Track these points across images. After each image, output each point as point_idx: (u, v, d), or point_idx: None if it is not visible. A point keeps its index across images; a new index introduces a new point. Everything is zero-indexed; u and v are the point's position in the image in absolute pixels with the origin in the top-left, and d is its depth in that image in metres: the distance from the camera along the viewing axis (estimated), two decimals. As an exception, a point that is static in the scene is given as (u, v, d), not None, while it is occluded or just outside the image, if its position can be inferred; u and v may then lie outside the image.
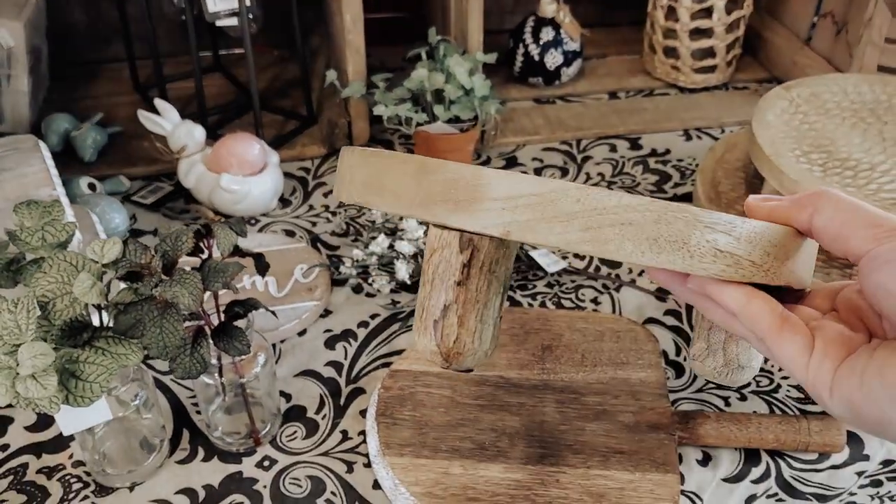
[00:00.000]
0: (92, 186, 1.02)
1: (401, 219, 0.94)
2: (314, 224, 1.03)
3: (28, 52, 1.09)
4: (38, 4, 1.14)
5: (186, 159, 1.02)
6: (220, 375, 0.71)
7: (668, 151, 1.18)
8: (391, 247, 0.91)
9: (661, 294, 0.92)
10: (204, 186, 1.01)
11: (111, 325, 0.61)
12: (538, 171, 1.13)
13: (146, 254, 0.61)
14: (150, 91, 1.23)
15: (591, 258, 0.97)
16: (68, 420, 0.65)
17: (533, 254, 0.93)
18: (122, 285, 0.62)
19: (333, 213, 1.05)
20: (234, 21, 1.03)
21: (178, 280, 0.58)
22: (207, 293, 0.63)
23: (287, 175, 1.10)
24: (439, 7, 1.23)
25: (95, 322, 0.63)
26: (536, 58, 1.26)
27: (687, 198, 1.08)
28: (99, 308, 0.63)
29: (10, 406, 0.78)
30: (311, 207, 1.06)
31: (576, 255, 0.97)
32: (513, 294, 0.92)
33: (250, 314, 0.69)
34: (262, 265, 0.69)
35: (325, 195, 1.08)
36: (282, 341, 0.86)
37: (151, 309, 0.61)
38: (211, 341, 0.65)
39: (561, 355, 0.82)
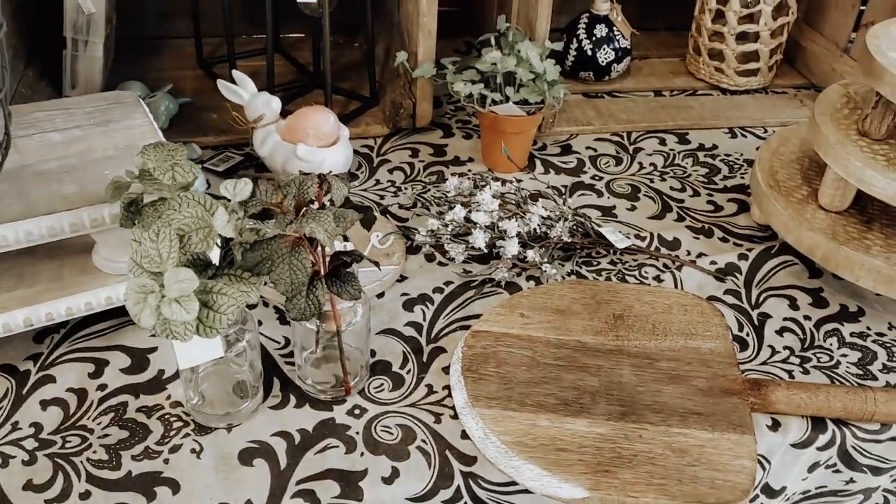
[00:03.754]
0: (167, 151, 1.05)
1: (475, 188, 0.98)
2: (382, 197, 1.06)
3: (106, 21, 1.12)
4: (114, -24, 1.17)
5: (262, 129, 1.05)
6: (321, 321, 0.74)
7: (715, 147, 1.22)
8: (467, 218, 0.95)
9: (719, 275, 0.96)
10: (278, 156, 1.04)
11: (236, 262, 0.64)
12: (593, 160, 1.17)
13: (277, 194, 0.64)
14: (213, 66, 1.26)
15: (653, 237, 1.01)
16: (187, 353, 0.68)
17: (602, 230, 0.97)
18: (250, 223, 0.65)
19: (400, 189, 1.08)
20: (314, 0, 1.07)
21: (313, 217, 0.61)
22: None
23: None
24: (498, 3, 1.28)
25: (215, 261, 0.66)
26: (589, 53, 1.30)
27: (739, 189, 1.12)
28: (223, 246, 0.66)
29: (110, 349, 0.81)
30: (377, 182, 1.10)
31: (638, 235, 1.01)
32: (578, 269, 0.96)
33: (354, 265, 0.72)
34: (369, 218, 0.72)
35: (391, 171, 1.12)
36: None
37: (280, 247, 0.64)
38: (324, 285, 0.68)
39: (633, 324, 0.86)
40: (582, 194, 1.10)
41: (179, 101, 1.17)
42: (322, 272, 0.69)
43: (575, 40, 1.31)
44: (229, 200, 0.64)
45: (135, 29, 1.34)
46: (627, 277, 0.95)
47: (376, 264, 0.74)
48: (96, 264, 0.78)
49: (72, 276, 0.78)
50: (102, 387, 0.78)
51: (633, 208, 1.08)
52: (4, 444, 0.72)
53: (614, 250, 0.98)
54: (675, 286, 0.95)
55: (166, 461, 0.72)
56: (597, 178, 1.14)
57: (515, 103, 1.05)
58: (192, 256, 0.63)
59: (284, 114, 1.07)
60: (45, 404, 0.76)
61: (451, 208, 0.96)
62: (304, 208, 0.65)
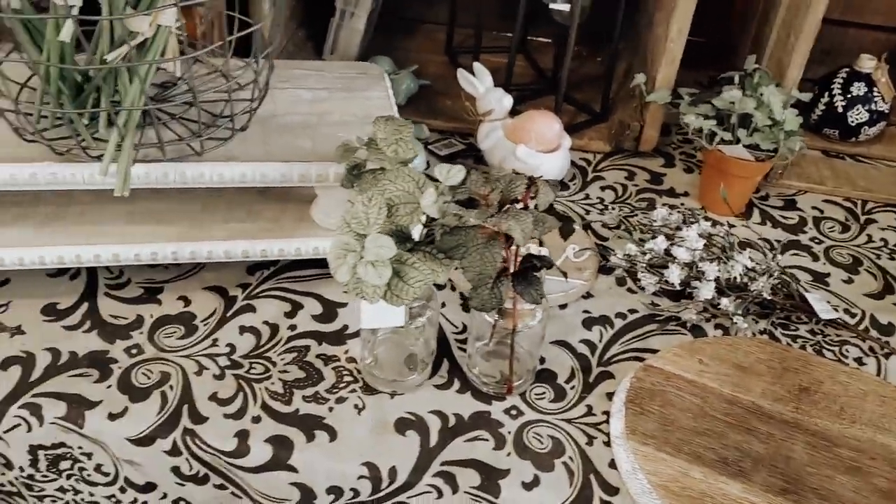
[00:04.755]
0: (398, 127, 1.11)
1: (683, 223, 0.96)
2: (587, 212, 1.07)
3: (373, -3, 1.21)
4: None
5: (489, 123, 1.08)
6: (500, 316, 0.76)
7: (962, 236, 1.11)
8: (667, 251, 0.93)
9: (932, 374, 0.88)
10: (498, 152, 1.07)
11: (435, 242, 0.67)
12: (817, 221, 1.11)
13: (486, 186, 0.67)
14: (458, 56, 1.32)
15: (865, 316, 0.94)
16: (371, 315, 0.72)
17: (808, 295, 0.91)
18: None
19: (606, 207, 1.08)
20: (566, 6, 1.08)
21: (513, 216, 0.63)
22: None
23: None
24: (753, 37, 1.23)
25: (415, 237, 0.70)
26: (840, 110, 1.22)
27: (978, 288, 1.02)
28: (426, 224, 0.70)
29: (307, 295, 0.88)
30: (587, 196, 1.10)
31: (848, 311, 0.95)
32: (773, 329, 0.91)
33: (543, 271, 0.73)
34: (567, 230, 0.73)
35: (602, 189, 1.12)
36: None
37: (476, 236, 0.66)
38: (510, 283, 0.70)
39: (819, 401, 0.81)
40: (795, 254, 1.04)
41: (420, 82, 1.24)
42: (510, 270, 0.71)
43: (827, 94, 1.23)
44: (440, 183, 0.67)
45: (396, 9, 1.42)
46: (825, 351, 0.89)
47: (564, 275, 0.75)
48: (313, 216, 0.85)
49: (290, 221, 0.85)
50: (293, 327, 0.85)
51: (849, 281, 1.01)
52: (203, 356, 0.81)
53: (817, 319, 0.92)
54: (878, 373, 0.88)
55: (331, 409, 0.77)
56: (816, 240, 1.07)
57: (746, 146, 1.02)
58: (396, 227, 0.67)
59: (513, 112, 1.10)
60: (242, 330, 0.84)
61: (653, 237, 0.95)
62: (508, 205, 0.67)
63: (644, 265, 0.94)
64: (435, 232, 0.68)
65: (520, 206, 0.69)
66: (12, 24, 0.68)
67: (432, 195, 0.65)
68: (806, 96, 1.04)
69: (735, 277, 0.91)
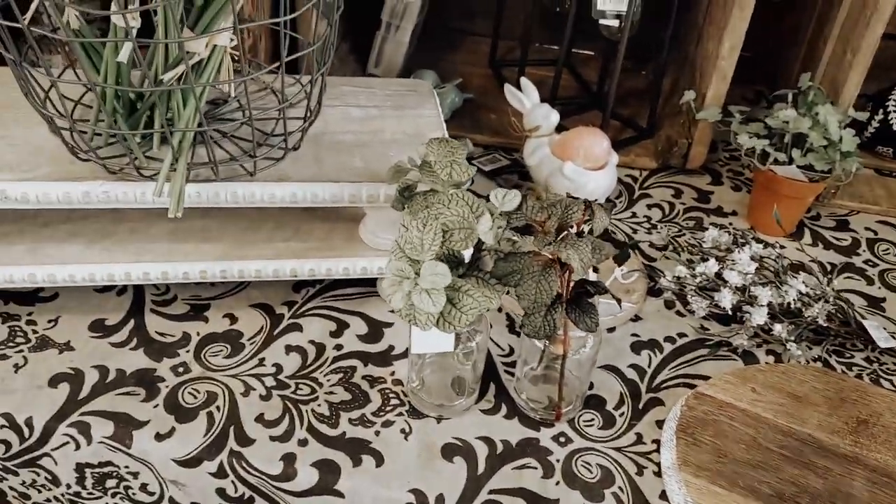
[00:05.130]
0: (443, 142, 1.11)
1: (734, 245, 0.94)
2: (634, 231, 1.05)
3: (419, 10, 1.20)
4: (434, -31, 1.25)
5: (535, 139, 1.07)
6: (550, 342, 0.75)
7: None
8: (719, 274, 0.91)
9: None
10: (545, 168, 1.06)
11: (485, 266, 0.66)
12: (871, 243, 1.08)
13: (543, 213, 0.65)
14: (503, 69, 1.31)
15: (924, 346, 0.91)
16: (421, 340, 0.71)
17: (865, 322, 0.89)
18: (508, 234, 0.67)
19: (655, 226, 1.06)
20: (615, 22, 1.07)
21: (572, 244, 0.62)
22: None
23: (615, 178, 1.12)
24: (804, 53, 1.20)
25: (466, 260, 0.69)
26: (895, 127, 1.19)
27: None
28: (478, 250, 0.69)
29: (353, 314, 0.87)
30: (633, 214, 1.08)
31: (906, 339, 0.92)
32: (827, 357, 0.89)
33: (596, 297, 0.72)
34: (623, 256, 0.72)
35: (649, 207, 1.10)
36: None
37: (531, 264, 0.65)
38: (564, 309, 0.69)
39: (878, 434, 0.78)
40: (849, 277, 1.01)
41: (465, 95, 1.23)
42: (564, 296, 0.69)
43: (881, 111, 1.20)
44: (495, 208, 0.66)
45: (440, 20, 1.41)
46: (883, 381, 0.87)
47: (618, 301, 0.74)
48: (361, 235, 0.84)
49: (339, 240, 0.84)
50: (339, 347, 0.84)
51: (887, 308, 0.98)
52: (250, 376, 0.80)
53: (874, 347, 0.89)
54: (937, 405, 0.85)
55: (377, 433, 0.76)
56: (871, 263, 1.04)
57: (799, 167, 0.99)
58: (449, 252, 0.66)
59: (560, 129, 1.09)
60: (288, 349, 0.83)
61: (703, 259, 0.93)
62: (565, 232, 0.65)
63: (694, 288, 0.92)
64: (483, 258, 0.67)
65: (574, 230, 0.68)
66: (71, 44, 0.68)
67: (488, 221, 0.64)
68: (863, 116, 1.02)
69: (789, 303, 0.89)
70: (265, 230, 0.84)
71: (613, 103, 1.28)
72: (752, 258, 0.93)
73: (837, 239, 1.08)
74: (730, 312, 0.90)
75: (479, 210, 0.67)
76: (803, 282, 0.91)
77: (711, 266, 0.91)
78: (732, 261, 0.92)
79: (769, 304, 0.88)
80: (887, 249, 1.07)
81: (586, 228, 0.70)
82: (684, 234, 1.05)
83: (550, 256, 0.64)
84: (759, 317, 0.87)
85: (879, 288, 1.00)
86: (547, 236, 0.64)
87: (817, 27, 1.18)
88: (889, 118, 1.20)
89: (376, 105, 0.87)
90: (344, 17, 1.26)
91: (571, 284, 0.71)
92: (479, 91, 1.27)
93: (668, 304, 0.94)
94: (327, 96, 0.88)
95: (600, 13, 1.05)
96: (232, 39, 0.71)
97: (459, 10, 1.42)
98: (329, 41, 0.74)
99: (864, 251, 1.06)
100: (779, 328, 0.87)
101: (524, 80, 1.09)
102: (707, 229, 1.00)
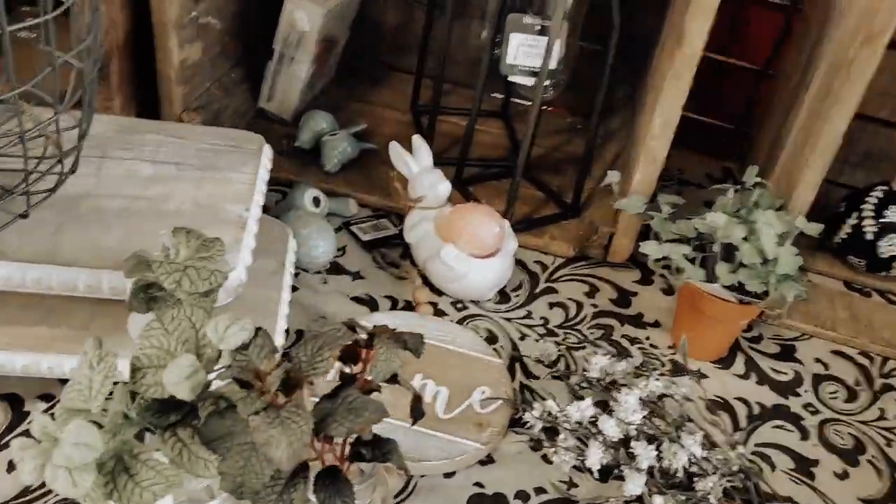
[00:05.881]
0: (316, 201, 0.92)
1: (622, 387, 0.74)
2: (522, 337, 0.86)
3: (318, 41, 1.02)
4: (351, -5, 1.07)
5: (419, 211, 0.89)
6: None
7: None
8: (594, 419, 0.71)
9: None
10: (424, 248, 0.87)
11: (199, 424, 0.48)
12: (817, 380, 0.88)
13: (270, 359, 0.47)
14: (422, 116, 1.12)
15: (848, 543, 0.71)
16: None
17: (770, 508, 0.69)
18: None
19: (548, 333, 0.87)
20: (530, 80, 0.88)
21: (281, 420, 0.43)
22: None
23: (518, 263, 0.93)
24: (772, 136, 1.00)
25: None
26: (869, 237, 0.99)
27: None
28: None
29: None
30: (528, 314, 0.89)
31: (827, 528, 0.72)
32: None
33: (376, 464, 0.53)
34: (417, 412, 0.53)
35: (550, 306, 0.90)
36: (422, 476, 0.70)
37: (245, 431, 0.46)
38: (311, 484, 0.50)
39: None
40: (777, 426, 0.81)
41: (364, 145, 1.04)
42: (323, 464, 0.51)
43: (856, 214, 1.00)
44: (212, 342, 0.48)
45: (370, 51, 1.23)
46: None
47: (405, 471, 0.54)
48: (129, 330, 0.66)
49: (100, 329, 0.66)
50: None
51: (843, 475, 0.77)
52: None
53: (783, 537, 0.69)
54: None
55: None
56: (811, 409, 0.84)
57: (727, 286, 0.79)
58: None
59: (466, 191, 0.90)
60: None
61: (578, 398, 0.73)
62: (297, 390, 0.47)
63: (567, 429, 0.72)
64: (201, 410, 0.48)
65: (317, 384, 0.49)
66: None
67: (183, 369, 0.45)
68: (814, 229, 0.81)
69: (676, 469, 0.69)
70: (12, 308, 0.66)
71: (547, 167, 1.09)
72: (645, 400, 0.73)
73: (776, 371, 0.88)
74: (596, 476, 0.70)
75: (202, 339, 0.49)
76: (705, 439, 0.72)
77: (585, 408, 0.71)
78: (617, 402, 0.72)
79: (649, 470, 0.68)
80: (835, 393, 0.87)
81: (368, 370, 0.52)
82: (585, 347, 0.86)
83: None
84: (634, 486, 0.67)
85: (814, 446, 0.80)
86: (260, 398, 0.45)
87: (785, 107, 0.97)
88: (863, 225, 0.99)
89: (178, 162, 0.69)
90: (238, 39, 1.09)
91: (336, 446, 0.52)
92: (389, 139, 1.08)
93: (534, 446, 0.74)
94: (121, 145, 0.70)
95: (509, 69, 0.86)
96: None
97: (392, 42, 1.24)
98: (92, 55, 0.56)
99: (806, 391, 0.86)
100: (659, 501, 0.67)
101: (416, 138, 0.91)
102: (594, 358, 0.79)
